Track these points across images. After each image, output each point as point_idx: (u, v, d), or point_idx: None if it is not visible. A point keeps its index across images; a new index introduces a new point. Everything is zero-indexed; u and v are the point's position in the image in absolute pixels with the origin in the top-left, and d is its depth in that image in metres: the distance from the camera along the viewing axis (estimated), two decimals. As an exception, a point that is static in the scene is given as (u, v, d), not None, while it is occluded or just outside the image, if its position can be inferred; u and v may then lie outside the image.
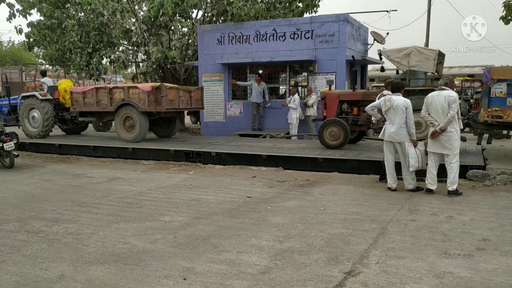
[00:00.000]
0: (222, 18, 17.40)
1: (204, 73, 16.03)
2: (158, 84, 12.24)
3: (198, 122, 17.34)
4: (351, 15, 14.89)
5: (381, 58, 10.64)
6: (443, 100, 6.67)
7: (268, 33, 14.90)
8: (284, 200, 6.75)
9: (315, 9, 19.20)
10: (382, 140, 7.57)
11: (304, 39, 14.41)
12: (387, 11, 16.39)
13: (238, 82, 15.06)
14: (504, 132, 9.94)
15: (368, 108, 7.88)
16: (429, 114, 6.95)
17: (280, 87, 16.33)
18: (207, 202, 6.67)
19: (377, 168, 9.15)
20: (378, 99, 7.80)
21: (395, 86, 7.34)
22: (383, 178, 8.01)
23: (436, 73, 9.98)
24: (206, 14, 17.19)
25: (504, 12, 14.99)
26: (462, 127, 7.20)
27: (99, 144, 12.58)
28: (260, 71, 14.61)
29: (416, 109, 8.60)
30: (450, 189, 6.87)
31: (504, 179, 7.73)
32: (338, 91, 11.56)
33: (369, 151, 10.60)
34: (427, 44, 20.23)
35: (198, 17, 18.41)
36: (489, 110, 8.96)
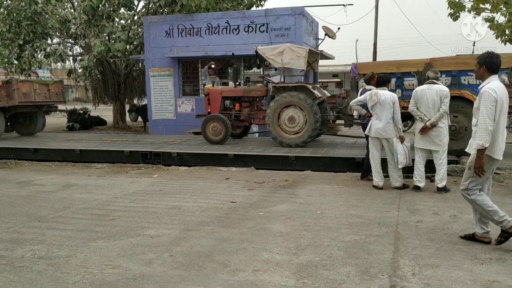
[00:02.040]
0: (167, 9, 16.42)
1: (152, 68, 15.03)
2: (8, 78, 12.23)
3: (147, 122, 16.27)
4: (305, 8, 14.60)
5: (257, 56, 10.86)
6: (434, 95, 6.45)
7: (220, 25, 14.22)
8: (273, 204, 6.20)
9: (262, 2, 18.80)
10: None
11: (259, 33, 13.91)
12: (344, 5, 16.33)
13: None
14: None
15: (352, 103, 7.54)
16: (417, 108, 6.71)
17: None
18: (190, 210, 5.96)
19: (350, 165, 8.93)
20: (361, 94, 7.49)
21: (381, 80, 7.04)
22: (365, 176, 7.73)
23: (312, 71, 11.05)
24: (151, 5, 16.12)
25: (450, 9, 15.48)
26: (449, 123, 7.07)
27: (40, 146, 11.29)
28: (213, 65, 13.91)
29: (289, 105, 10.13)
30: (440, 186, 6.70)
31: (482, 173, 7.71)
32: (221, 88, 11.90)
33: (336, 147, 10.36)
34: (375, 38, 20.58)
35: (139, 8, 17.31)
36: None
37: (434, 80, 6.59)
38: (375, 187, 7.10)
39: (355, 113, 7.89)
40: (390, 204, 6.17)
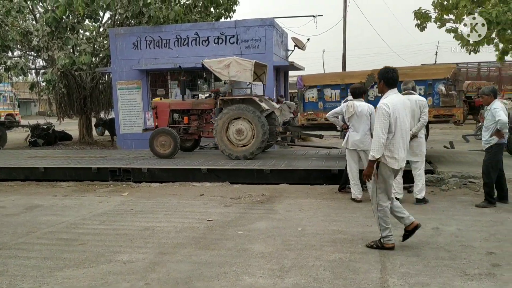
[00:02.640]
0: (134, 20, 16.03)
1: (119, 81, 14.59)
2: None
3: (115, 136, 15.75)
4: (275, 19, 14.53)
5: (203, 69, 11.02)
6: (414, 105, 6.40)
7: (190, 37, 13.96)
8: (252, 222, 5.97)
9: (231, 14, 18.66)
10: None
11: (229, 44, 13.72)
12: (313, 16, 16.38)
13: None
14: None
15: (329, 115, 7.42)
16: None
17: (205, 95, 15.46)
18: (164, 231, 5.65)
19: (326, 177, 8.81)
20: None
21: (357, 92, 6.95)
22: (342, 188, 7.61)
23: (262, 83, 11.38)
24: (117, 16, 15.70)
25: (416, 20, 15.78)
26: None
27: (0, 164, 10.67)
28: (183, 77, 13.62)
29: (236, 117, 10.12)
30: (419, 197, 6.64)
31: (458, 182, 7.75)
32: (169, 101, 11.95)
33: (311, 159, 10.25)
34: (344, 49, 20.78)
35: (105, 20, 16.84)
36: (305, 114, 9.58)
37: (411, 91, 6.55)
38: (354, 200, 6.98)
39: (338, 127, 7.79)
40: (370, 217, 6.02)
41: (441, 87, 8.42)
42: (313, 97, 9.48)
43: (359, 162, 7.01)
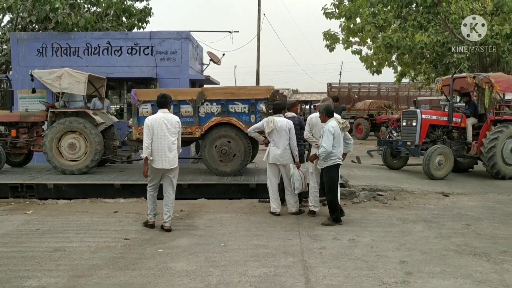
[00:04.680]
0: (39, 25, 15.03)
1: (21, 89, 13.45)
2: None
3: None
4: (191, 33, 14.46)
5: (32, 80, 10.80)
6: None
7: (101, 46, 13.36)
8: (172, 239, 5.78)
9: (144, 24, 18.24)
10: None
11: (144, 55, 13.37)
12: (229, 32, 16.53)
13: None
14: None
15: (250, 130, 7.48)
16: (312, 135, 6.90)
17: (115, 106, 14.85)
18: (77, 251, 5.26)
19: (244, 191, 8.86)
20: None
21: (277, 107, 7.12)
22: (263, 199, 7.73)
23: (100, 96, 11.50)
24: (19, 20, 14.59)
25: (326, 41, 16.67)
26: None
27: None
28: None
29: (68, 131, 9.83)
30: (334, 209, 6.90)
31: (368, 195, 8.21)
32: None
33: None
34: (258, 65, 21.24)
35: (4, 23, 15.59)
36: (139, 128, 9.35)
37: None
38: (273, 213, 7.07)
39: (260, 142, 7.90)
40: (290, 231, 6.16)
41: (262, 106, 9.01)
42: (147, 111, 9.34)
43: (280, 177, 7.14)
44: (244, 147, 9.33)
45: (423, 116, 10.80)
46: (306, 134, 6.97)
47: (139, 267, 4.71)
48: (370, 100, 26.52)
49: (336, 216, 6.45)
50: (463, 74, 11.47)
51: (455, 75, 11.45)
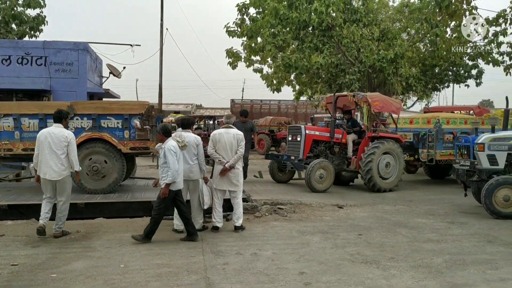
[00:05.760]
0: None
1: None
2: None
3: None
4: (89, 44, 13.87)
5: None
6: (232, 138, 6.82)
7: (-14, 54, 12.27)
8: (68, 262, 5.43)
9: (37, 33, 17.12)
10: None
11: (36, 66, 12.54)
12: (131, 45, 16.09)
13: None
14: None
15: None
16: (216, 151, 6.96)
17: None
18: (-46, 282, 4.72)
19: (146, 209, 8.61)
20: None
21: (185, 123, 7.08)
22: (166, 217, 7.58)
23: None
24: None
25: (228, 58, 16.99)
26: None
27: None
28: None
29: None
30: (237, 224, 7.00)
31: (269, 209, 8.45)
32: None
33: (129, 191, 9.89)
34: (160, 80, 20.90)
35: None
36: (1, 143, 9.05)
37: (230, 125, 6.98)
38: (176, 231, 6.97)
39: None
40: (193, 248, 6.12)
41: (136, 122, 8.97)
42: (8, 126, 8.91)
43: (187, 193, 7.06)
44: (117, 164, 9.06)
45: (307, 131, 11.44)
46: (210, 150, 7.01)
47: (29, 295, 4.35)
48: (271, 117, 27.44)
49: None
50: (345, 93, 12.34)
51: (337, 93, 12.34)
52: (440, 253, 5.89)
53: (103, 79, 15.94)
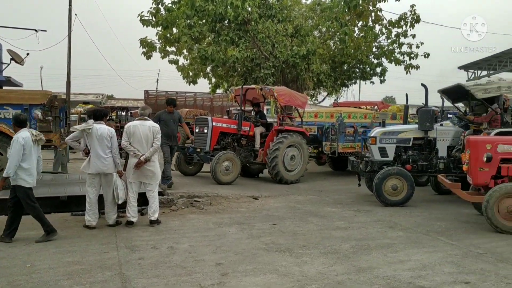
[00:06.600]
0: None
1: None
2: None
3: None
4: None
5: None
6: (147, 130, 6.68)
7: None
8: (-36, 265, 5.00)
9: None
10: None
11: None
12: (35, 30, 14.90)
13: None
14: None
15: (68, 139, 6.91)
16: (130, 144, 6.77)
17: None
18: None
19: (54, 204, 8.15)
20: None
21: (98, 114, 6.78)
22: (76, 212, 7.28)
23: None
24: None
25: (142, 48, 16.50)
26: None
27: None
28: None
29: None
30: (152, 218, 6.89)
31: (185, 202, 8.42)
32: None
33: (36, 187, 9.25)
34: (68, 68, 19.62)
35: None
36: None
37: (145, 117, 6.83)
38: (87, 227, 6.70)
39: (81, 153, 7.30)
40: (107, 244, 5.94)
41: (38, 112, 8.60)
42: None
43: (100, 188, 6.80)
44: None
45: (214, 123, 11.52)
46: (124, 142, 6.81)
47: None
48: (187, 109, 27.20)
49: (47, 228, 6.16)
50: (253, 86, 12.59)
51: (245, 86, 12.54)
52: (347, 240, 6.30)
53: (3, 66, 14.67)
